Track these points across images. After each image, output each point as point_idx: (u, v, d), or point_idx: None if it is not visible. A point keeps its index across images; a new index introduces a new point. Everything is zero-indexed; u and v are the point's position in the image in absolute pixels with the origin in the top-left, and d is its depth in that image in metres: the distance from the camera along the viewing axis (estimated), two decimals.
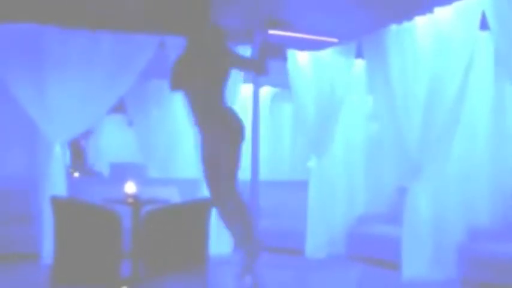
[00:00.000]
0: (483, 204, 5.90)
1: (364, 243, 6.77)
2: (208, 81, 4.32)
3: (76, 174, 9.04)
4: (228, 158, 4.46)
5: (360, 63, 7.07)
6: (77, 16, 5.99)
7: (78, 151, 9.89)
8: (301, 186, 7.21)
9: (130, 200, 5.43)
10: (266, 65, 4.45)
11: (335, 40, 6.83)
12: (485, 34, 5.59)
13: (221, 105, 4.38)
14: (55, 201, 5.37)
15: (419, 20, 5.77)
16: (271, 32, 4.75)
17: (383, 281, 5.87)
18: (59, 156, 6.33)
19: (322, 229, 7.01)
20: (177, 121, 8.37)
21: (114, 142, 9.93)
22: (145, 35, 6.51)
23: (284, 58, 7.12)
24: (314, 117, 7.19)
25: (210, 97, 4.34)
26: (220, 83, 4.36)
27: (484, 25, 5.25)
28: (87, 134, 9.74)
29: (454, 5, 5.42)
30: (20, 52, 6.18)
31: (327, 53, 7.09)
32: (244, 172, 5.68)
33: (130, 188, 5.51)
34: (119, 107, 8.19)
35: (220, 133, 4.41)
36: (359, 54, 6.83)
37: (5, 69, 6.17)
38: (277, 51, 6.79)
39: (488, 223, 5.84)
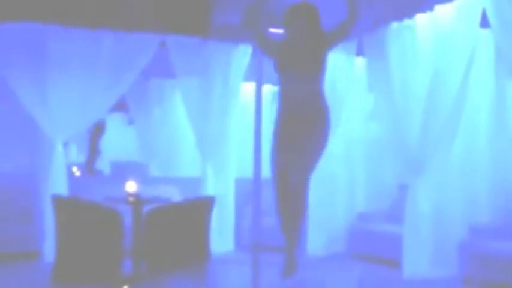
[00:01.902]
0: (485, 201, 5.90)
1: (365, 241, 6.77)
2: (309, 68, 3.98)
3: (78, 173, 9.02)
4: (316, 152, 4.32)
5: (360, 61, 7.06)
6: (78, 15, 6.00)
7: (94, 150, 9.81)
8: None
9: (131, 199, 5.44)
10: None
11: None
12: (485, 32, 5.59)
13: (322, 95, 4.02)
14: (56, 199, 5.38)
15: (420, 18, 5.77)
16: (271, 30, 4.71)
17: (384, 278, 5.87)
18: (61, 154, 6.34)
19: (323, 227, 7.01)
20: (178, 120, 8.37)
21: (115, 140, 9.90)
22: (146, 34, 6.53)
23: None
24: None
25: (311, 85, 4.00)
26: (320, 69, 4.01)
27: (484, 23, 5.24)
28: (101, 132, 9.67)
29: (455, 2, 5.42)
30: (21, 51, 6.19)
31: None
32: (246, 170, 5.69)
33: (131, 186, 5.52)
34: (120, 106, 8.18)
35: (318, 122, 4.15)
36: (360, 52, 6.82)
37: (7, 68, 6.18)
38: None
39: (489, 220, 5.83)
